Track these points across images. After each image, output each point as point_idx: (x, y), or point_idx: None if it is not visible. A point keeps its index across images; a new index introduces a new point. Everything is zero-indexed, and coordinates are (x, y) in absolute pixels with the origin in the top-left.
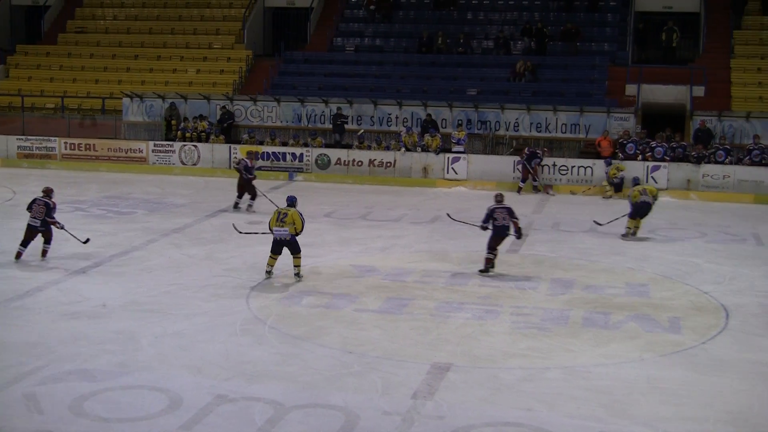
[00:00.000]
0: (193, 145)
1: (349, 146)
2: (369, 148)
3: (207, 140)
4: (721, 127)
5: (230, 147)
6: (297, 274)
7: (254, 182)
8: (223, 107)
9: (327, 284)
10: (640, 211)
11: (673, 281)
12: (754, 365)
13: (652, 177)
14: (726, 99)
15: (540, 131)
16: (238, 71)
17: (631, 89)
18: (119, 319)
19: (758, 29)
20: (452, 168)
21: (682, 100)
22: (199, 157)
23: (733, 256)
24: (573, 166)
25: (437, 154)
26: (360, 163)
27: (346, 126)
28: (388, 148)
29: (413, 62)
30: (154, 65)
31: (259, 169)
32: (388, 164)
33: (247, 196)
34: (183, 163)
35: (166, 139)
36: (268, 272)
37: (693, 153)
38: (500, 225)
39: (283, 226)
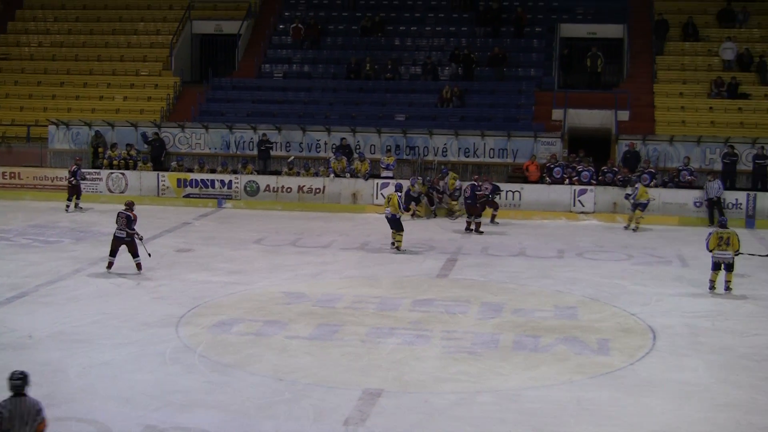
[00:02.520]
0: (121, 173)
1: (278, 173)
2: (298, 174)
3: (135, 168)
4: (646, 150)
5: (158, 174)
6: (398, 249)
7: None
8: (155, 134)
9: (257, 311)
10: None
11: (601, 303)
12: (681, 385)
13: (579, 200)
14: (650, 123)
15: (468, 156)
16: (166, 98)
17: (557, 114)
18: (46, 350)
19: (680, 54)
20: (381, 194)
21: (607, 124)
22: (126, 184)
23: (659, 277)
24: (502, 191)
25: (366, 179)
26: (289, 190)
27: (272, 152)
28: (317, 174)
29: (341, 88)
30: (80, 92)
31: (188, 196)
32: (318, 190)
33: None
34: (110, 191)
35: (93, 167)
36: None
37: (619, 176)
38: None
39: (386, 208)
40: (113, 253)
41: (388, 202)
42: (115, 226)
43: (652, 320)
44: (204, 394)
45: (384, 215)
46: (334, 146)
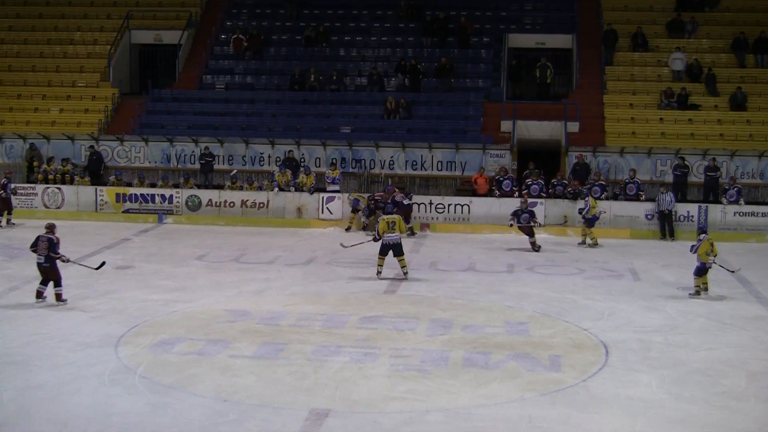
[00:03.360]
0: (57, 188)
1: (220, 187)
2: (241, 188)
3: (72, 182)
4: (596, 162)
5: (96, 189)
6: (406, 273)
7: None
8: (91, 147)
9: (199, 330)
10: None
11: (552, 319)
12: (634, 401)
13: None
14: (600, 134)
15: (416, 169)
16: (104, 110)
17: (506, 125)
18: None
19: (629, 65)
20: (327, 208)
21: (557, 135)
22: (63, 200)
23: (611, 291)
24: (450, 204)
25: (311, 193)
26: (232, 204)
27: (215, 166)
28: (260, 188)
29: (285, 100)
30: (14, 104)
31: (127, 211)
32: (261, 205)
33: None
34: (46, 207)
35: (28, 182)
36: (380, 272)
37: (569, 189)
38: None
39: (393, 232)
40: (45, 281)
41: (391, 226)
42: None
43: (604, 335)
44: (145, 417)
45: (387, 241)
46: (279, 159)
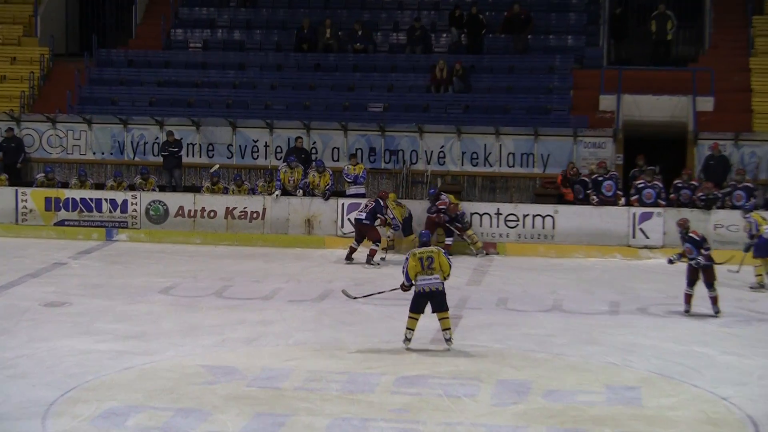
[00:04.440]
0: None
1: (195, 189)
2: (226, 191)
3: None
4: (739, 155)
5: (17, 192)
6: (447, 340)
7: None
8: (8, 130)
9: (165, 395)
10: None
11: (675, 382)
12: None
13: (640, 229)
14: (744, 114)
15: (476, 164)
16: (29, 78)
17: (607, 102)
18: None
19: None
20: (349, 219)
21: (681, 116)
22: None
23: (762, 343)
24: (525, 215)
25: (326, 199)
26: (213, 214)
27: (187, 158)
28: (253, 191)
29: (289, 65)
30: None
31: (61, 223)
32: (255, 215)
33: None
34: None
35: None
36: (410, 339)
37: (700, 194)
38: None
39: (432, 274)
40: None
41: (428, 264)
42: None
43: (752, 407)
44: None
45: (423, 288)
46: (280, 150)
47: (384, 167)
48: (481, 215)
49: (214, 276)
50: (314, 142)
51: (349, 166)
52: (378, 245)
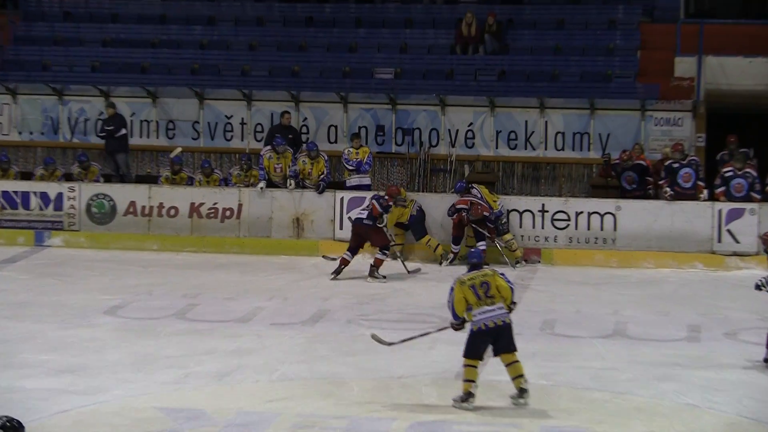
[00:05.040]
0: None
1: (151, 179)
2: (191, 182)
3: None
4: None
5: None
6: (523, 392)
7: None
8: None
9: None
10: None
11: None
12: None
13: (728, 231)
14: None
15: (515, 147)
16: None
17: (684, 66)
18: None
19: None
20: (350, 218)
21: None
22: None
23: None
24: (579, 213)
25: (320, 192)
26: (174, 212)
27: (136, 139)
28: (227, 183)
29: (273, 17)
30: None
31: None
32: (229, 213)
33: None
34: None
35: None
36: (473, 395)
37: None
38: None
39: (493, 303)
40: None
41: (485, 291)
42: None
43: None
44: None
45: (484, 324)
46: (261, 129)
47: (396, 151)
48: (520, 213)
49: (176, 292)
50: (305, 119)
51: (351, 150)
52: (386, 253)
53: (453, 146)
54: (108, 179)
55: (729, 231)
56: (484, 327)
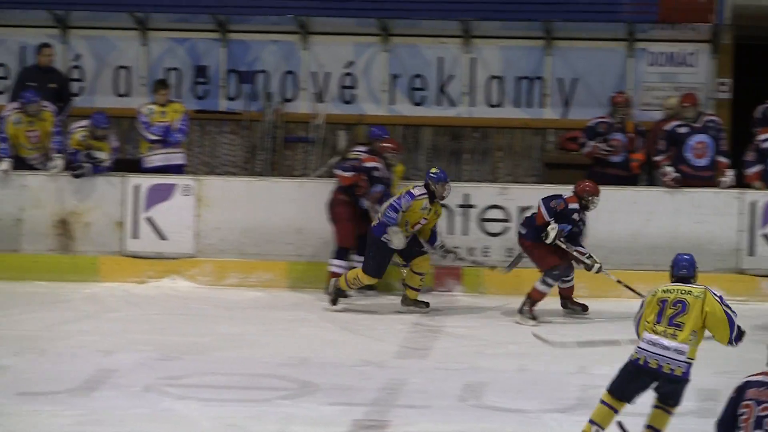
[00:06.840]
0: None
1: None
2: None
3: None
4: None
5: None
6: None
7: None
8: None
9: None
10: None
11: None
12: None
13: (766, 236)
14: None
15: (422, 102)
16: None
17: None
18: None
19: None
20: (148, 219)
21: None
22: None
23: None
24: (525, 208)
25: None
26: None
27: None
28: None
29: None
30: None
31: None
32: None
33: None
34: None
35: None
36: None
37: None
38: None
39: (674, 339)
40: None
41: (675, 314)
42: None
43: None
44: None
45: (641, 358)
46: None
47: (228, 108)
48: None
49: None
50: (77, 56)
51: (153, 108)
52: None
53: (321, 101)
54: None
55: (767, 236)
56: (642, 362)
